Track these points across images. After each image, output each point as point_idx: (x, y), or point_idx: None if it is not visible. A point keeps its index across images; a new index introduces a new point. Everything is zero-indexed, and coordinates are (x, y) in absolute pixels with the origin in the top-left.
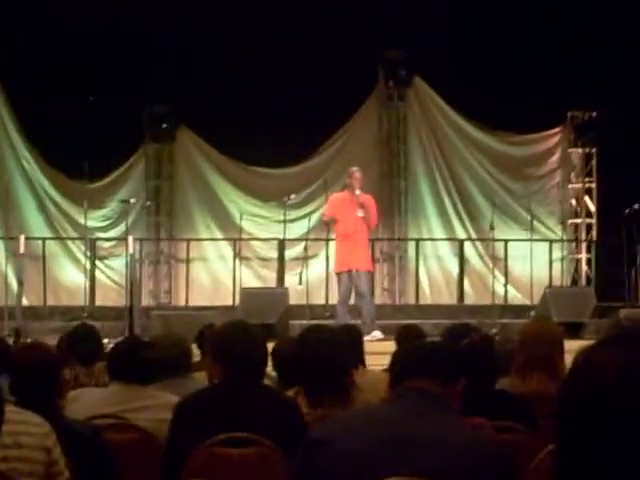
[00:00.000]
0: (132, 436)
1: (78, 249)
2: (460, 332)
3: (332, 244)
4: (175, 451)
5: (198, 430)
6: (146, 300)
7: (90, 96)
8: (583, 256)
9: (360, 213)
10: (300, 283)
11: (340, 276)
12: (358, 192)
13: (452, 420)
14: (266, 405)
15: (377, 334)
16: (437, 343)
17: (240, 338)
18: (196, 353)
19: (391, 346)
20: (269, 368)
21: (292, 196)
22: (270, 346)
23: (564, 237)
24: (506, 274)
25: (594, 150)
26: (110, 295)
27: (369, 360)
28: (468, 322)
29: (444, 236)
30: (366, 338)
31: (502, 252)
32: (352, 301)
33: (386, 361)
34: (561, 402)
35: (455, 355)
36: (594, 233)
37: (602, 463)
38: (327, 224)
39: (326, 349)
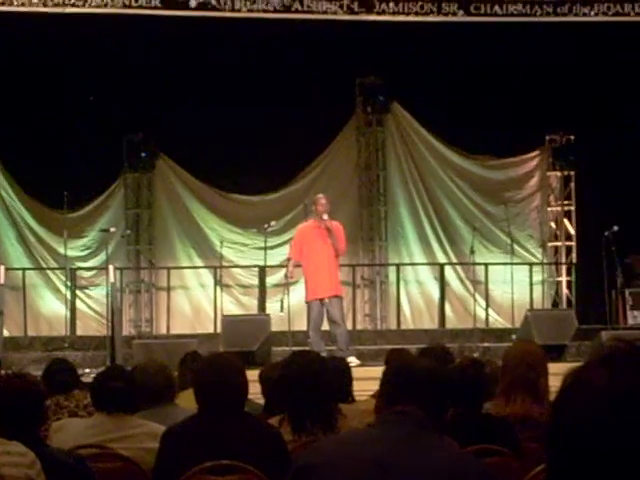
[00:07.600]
0: (116, 465)
1: (58, 279)
2: (433, 354)
3: None
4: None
5: (184, 459)
6: (127, 329)
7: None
8: (563, 279)
9: (329, 239)
10: (282, 310)
11: (311, 304)
12: (326, 217)
13: (438, 443)
14: (247, 433)
15: (353, 360)
16: (426, 368)
17: (208, 371)
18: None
19: (369, 372)
20: (257, 395)
21: (272, 223)
22: (253, 373)
23: (544, 260)
24: (487, 298)
25: (572, 173)
26: (91, 325)
27: None
28: (441, 344)
29: (424, 261)
30: None
31: (482, 276)
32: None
33: (363, 387)
34: (551, 425)
35: (444, 380)
36: (574, 256)
37: None
38: (295, 265)
39: (311, 374)
